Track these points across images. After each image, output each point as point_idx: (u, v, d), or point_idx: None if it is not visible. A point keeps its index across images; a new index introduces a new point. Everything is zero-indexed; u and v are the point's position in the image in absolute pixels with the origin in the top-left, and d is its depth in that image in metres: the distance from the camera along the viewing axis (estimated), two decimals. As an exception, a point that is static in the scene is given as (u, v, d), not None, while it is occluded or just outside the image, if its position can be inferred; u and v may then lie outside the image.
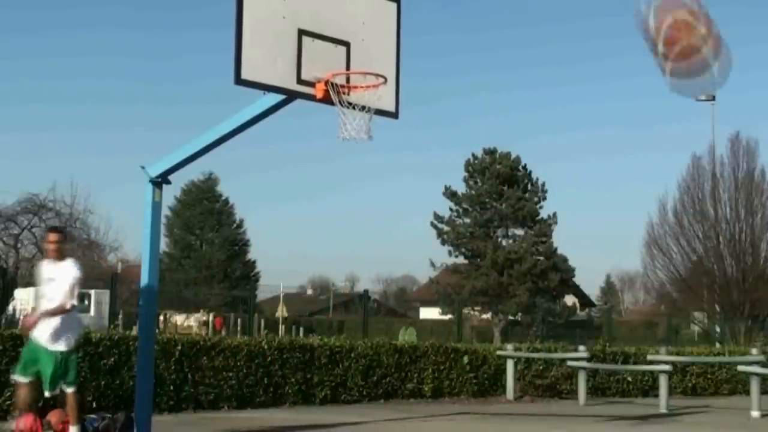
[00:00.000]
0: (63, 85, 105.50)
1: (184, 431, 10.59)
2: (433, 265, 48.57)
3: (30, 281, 28.31)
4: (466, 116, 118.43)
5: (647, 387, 18.57)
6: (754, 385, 15.20)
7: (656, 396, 16.15)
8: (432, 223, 47.02)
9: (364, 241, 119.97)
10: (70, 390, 8.84)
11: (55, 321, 8.72)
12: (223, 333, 29.67)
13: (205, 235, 57.07)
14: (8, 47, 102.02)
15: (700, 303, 36.13)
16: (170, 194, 53.50)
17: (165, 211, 35.40)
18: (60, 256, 9.01)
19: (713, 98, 36.74)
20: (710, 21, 5.21)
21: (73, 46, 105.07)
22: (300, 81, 8.87)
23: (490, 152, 47.47)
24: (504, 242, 46.55)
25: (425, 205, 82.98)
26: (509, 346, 17.40)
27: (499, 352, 16.94)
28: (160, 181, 9.93)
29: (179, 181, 56.32)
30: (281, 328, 36.22)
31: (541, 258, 44.99)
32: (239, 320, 33.22)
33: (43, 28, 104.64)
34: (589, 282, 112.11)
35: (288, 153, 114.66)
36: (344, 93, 8.92)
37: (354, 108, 8.95)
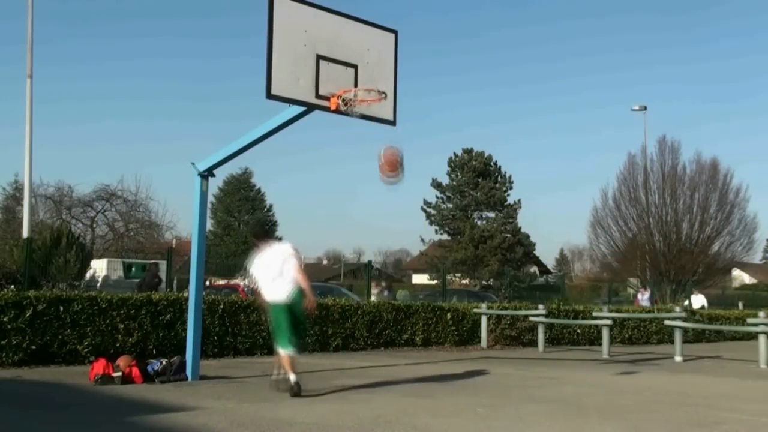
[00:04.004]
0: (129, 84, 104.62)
1: (225, 372, 10.55)
2: (422, 240, 48.59)
3: (102, 254, 28.30)
4: (449, 125, 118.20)
5: (593, 337, 18.58)
6: (677, 336, 15.23)
7: (600, 344, 16.16)
8: (422, 208, 46.95)
9: (368, 223, 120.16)
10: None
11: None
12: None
13: (242, 217, 57.05)
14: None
15: (634, 271, 36.01)
16: (214, 185, 53.48)
17: (210, 198, 35.18)
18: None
19: (645, 108, 36.65)
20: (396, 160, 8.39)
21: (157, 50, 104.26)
22: (317, 96, 8.74)
23: (468, 152, 47.24)
24: (479, 223, 46.42)
25: (417, 196, 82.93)
26: (483, 305, 17.33)
27: (475, 310, 16.92)
28: (206, 175, 9.82)
29: (222, 174, 56.35)
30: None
31: (509, 235, 44.84)
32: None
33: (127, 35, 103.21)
34: (547, 254, 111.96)
35: (309, 159, 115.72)
36: (352, 105, 8.79)
37: (360, 117, 8.83)
